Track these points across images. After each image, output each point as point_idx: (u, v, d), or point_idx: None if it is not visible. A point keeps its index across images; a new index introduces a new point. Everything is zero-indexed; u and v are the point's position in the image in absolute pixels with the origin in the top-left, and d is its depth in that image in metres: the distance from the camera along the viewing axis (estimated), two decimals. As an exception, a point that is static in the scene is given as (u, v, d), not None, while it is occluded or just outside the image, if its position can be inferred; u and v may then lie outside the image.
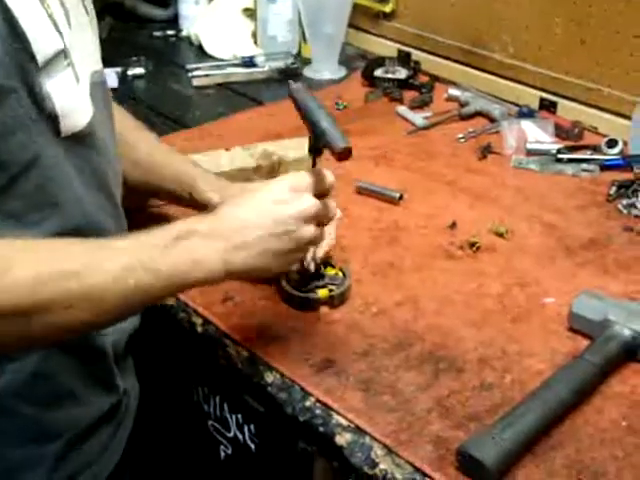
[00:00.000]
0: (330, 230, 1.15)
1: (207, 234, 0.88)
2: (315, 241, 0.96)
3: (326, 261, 1.17)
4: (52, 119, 0.84)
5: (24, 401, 0.89)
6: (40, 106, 0.82)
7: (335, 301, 1.13)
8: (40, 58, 0.81)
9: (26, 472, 0.91)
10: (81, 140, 0.89)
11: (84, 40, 0.91)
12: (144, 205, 1.29)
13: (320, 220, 0.96)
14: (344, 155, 0.96)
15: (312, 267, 1.12)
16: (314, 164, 1.01)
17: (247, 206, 0.93)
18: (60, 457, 0.93)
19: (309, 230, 0.94)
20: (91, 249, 0.82)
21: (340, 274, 1.17)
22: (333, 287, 1.14)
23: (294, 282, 1.14)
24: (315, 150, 1.01)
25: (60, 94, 0.84)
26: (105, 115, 0.96)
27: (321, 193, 0.97)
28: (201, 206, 1.14)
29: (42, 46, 0.81)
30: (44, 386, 0.90)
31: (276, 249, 0.91)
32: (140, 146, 1.14)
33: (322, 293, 1.13)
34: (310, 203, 0.94)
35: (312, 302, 1.13)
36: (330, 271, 1.16)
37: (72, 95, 0.86)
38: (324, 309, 1.13)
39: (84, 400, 0.95)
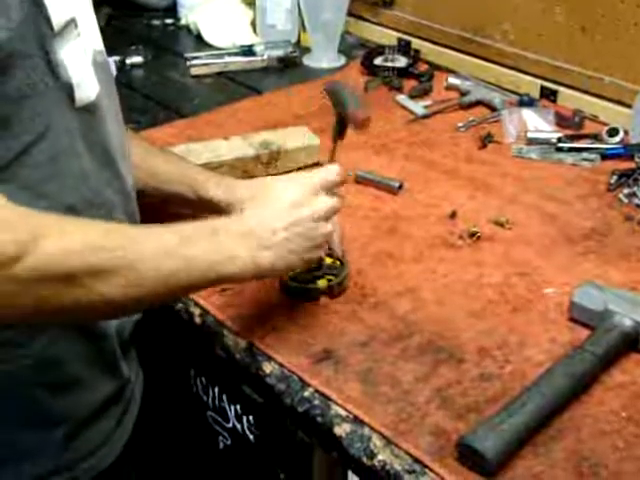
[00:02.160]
0: (335, 220, 1.14)
1: (240, 233, 0.92)
2: (330, 235, 1.03)
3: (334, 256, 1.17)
4: (66, 88, 0.85)
5: (31, 386, 0.89)
6: (55, 73, 0.83)
7: (334, 290, 1.13)
8: (55, 24, 0.82)
9: (32, 457, 0.91)
10: (91, 114, 0.90)
11: (87, 16, 0.91)
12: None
13: (332, 215, 1.02)
14: (364, 124, 1.07)
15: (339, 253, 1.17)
16: (335, 146, 1.08)
17: (269, 209, 0.98)
18: (66, 442, 0.93)
19: (325, 227, 1.00)
20: (134, 229, 0.86)
21: (337, 263, 1.16)
22: (332, 277, 1.14)
23: (292, 273, 1.13)
24: (339, 130, 1.08)
25: (73, 63, 0.85)
26: (110, 95, 0.96)
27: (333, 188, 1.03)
28: (206, 205, 1.15)
29: (57, 12, 0.82)
30: (51, 371, 0.90)
31: (298, 249, 0.97)
32: (136, 151, 1.14)
33: (321, 283, 1.13)
34: (324, 203, 1.00)
35: (311, 292, 1.12)
36: (328, 260, 1.16)
37: (83, 65, 0.87)
38: (323, 299, 1.12)
39: (89, 385, 0.95)
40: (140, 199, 1.05)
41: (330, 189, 1.02)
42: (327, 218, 1.00)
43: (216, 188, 1.14)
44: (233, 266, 0.90)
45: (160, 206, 1.17)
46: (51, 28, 0.82)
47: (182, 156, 1.25)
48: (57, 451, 0.93)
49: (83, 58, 0.87)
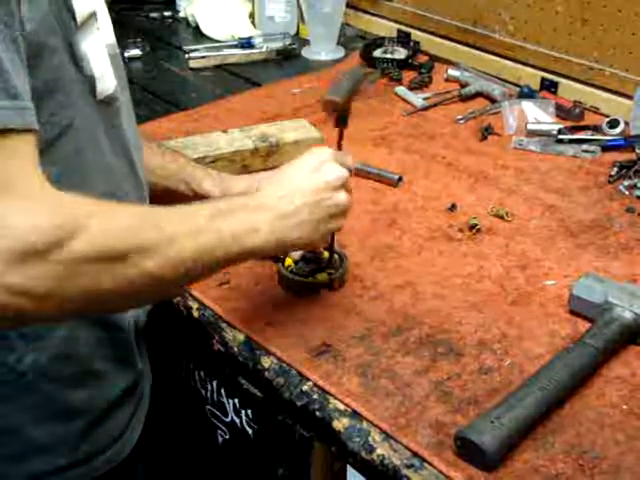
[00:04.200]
0: None
1: (257, 207, 0.92)
2: (349, 207, 1.01)
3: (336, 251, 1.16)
4: (89, 80, 0.85)
5: (49, 379, 0.89)
6: (78, 66, 0.84)
7: (335, 284, 1.12)
8: (79, 17, 0.82)
9: (49, 450, 0.91)
10: (111, 107, 0.91)
11: (103, 10, 0.92)
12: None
13: (346, 185, 1.01)
14: (325, 106, 1.09)
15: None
16: (340, 138, 1.07)
17: (286, 180, 0.98)
18: (83, 435, 0.93)
19: (345, 195, 0.99)
20: (164, 209, 0.85)
21: (336, 256, 1.15)
22: (332, 270, 1.13)
23: (292, 267, 1.13)
24: (340, 119, 1.07)
25: (94, 56, 0.85)
26: (124, 88, 0.97)
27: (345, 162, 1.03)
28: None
29: (80, 5, 0.82)
30: (68, 365, 0.90)
31: (319, 216, 0.97)
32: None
33: (321, 277, 1.12)
34: (341, 170, 1.00)
35: (312, 286, 1.12)
36: (327, 254, 1.15)
37: (103, 59, 0.88)
38: (322, 292, 1.12)
39: (106, 378, 0.95)
40: None
41: (341, 163, 1.01)
42: (342, 187, 0.99)
43: (212, 184, 1.16)
44: (256, 239, 0.89)
45: (157, 200, 1.17)
46: (74, 21, 0.82)
47: (179, 151, 1.25)
48: (74, 444, 0.93)
49: (103, 51, 0.88)
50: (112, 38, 0.94)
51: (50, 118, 0.81)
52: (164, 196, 1.17)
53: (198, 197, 1.15)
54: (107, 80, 0.89)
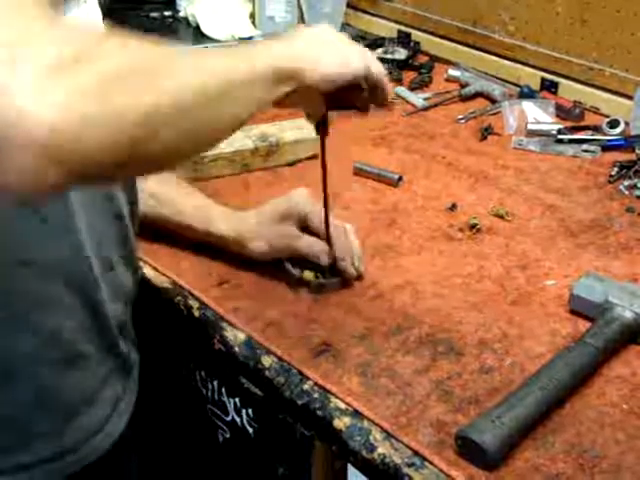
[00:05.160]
0: (352, 237, 1.15)
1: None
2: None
3: None
4: None
5: (38, 364, 0.88)
6: None
7: (313, 288, 1.12)
8: None
9: (38, 439, 0.90)
10: None
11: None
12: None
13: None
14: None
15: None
16: (322, 143, 1.06)
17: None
18: (69, 422, 0.92)
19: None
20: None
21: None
22: (321, 276, 1.13)
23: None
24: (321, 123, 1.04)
25: (89, 24, 0.83)
26: None
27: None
28: (215, 241, 1.17)
29: None
30: (57, 347, 0.89)
31: (351, 46, 0.92)
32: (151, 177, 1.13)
33: (306, 275, 1.12)
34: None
35: (292, 277, 1.12)
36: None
37: (97, 27, 0.85)
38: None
39: (92, 360, 0.94)
40: (149, 224, 1.06)
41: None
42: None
43: (227, 224, 1.16)
44: (274, 52, 0.83)
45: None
46: None
47: (193, 188, 1.24)
48: (62, 432, 0.92)
49: (98, 21, 0.86)
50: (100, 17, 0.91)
51: None
52: (175, 229, 1.19)
53: (209, 235, 1.17)
54: None
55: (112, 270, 0.95)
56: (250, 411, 1.12)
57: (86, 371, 0.94)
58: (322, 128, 1.03)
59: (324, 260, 1.11)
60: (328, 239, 1.11)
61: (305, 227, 1.13)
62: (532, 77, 1.73)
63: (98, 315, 0.93)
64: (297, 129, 1.46)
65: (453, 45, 1.88)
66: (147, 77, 0.66)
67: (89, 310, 0.92)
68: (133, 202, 1.00)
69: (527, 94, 1.67)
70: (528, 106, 1.60)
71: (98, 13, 0.92)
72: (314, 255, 1.12)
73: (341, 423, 0.93)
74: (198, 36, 2.06)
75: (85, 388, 0.94)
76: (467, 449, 0.87)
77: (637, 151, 1.44)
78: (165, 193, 1.17)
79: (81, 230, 0.87)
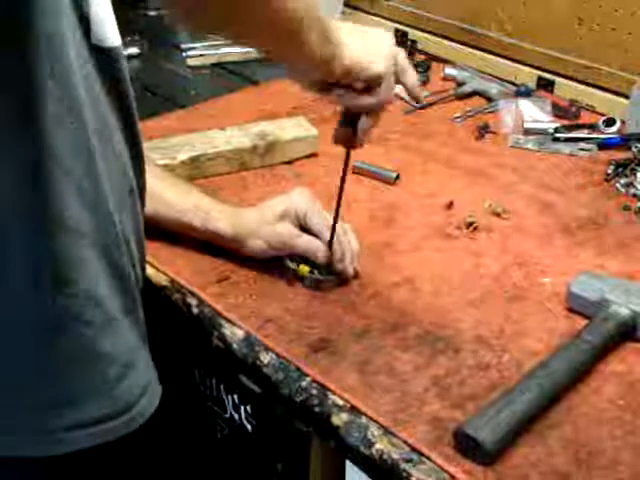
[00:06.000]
0: (351, 239, 1.16)
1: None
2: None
3: None
4: (84, 21, 0.83)
5: (80, 323, 0.87)
6: (77, 5, 0.81)
7: (306, 282, 1.13)
8: None
9: (88, 399, 0.89)
10: (111, 59, 0.88)
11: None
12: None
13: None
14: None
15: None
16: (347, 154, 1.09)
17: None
18: (118, 382, 0.91)
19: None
20: None
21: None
22: (316, 272, 1.13)
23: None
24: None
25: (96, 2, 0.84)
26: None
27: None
28: (213, 239, 1.18)
29: None
30: (94, 309, 0.88)
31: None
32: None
33: (302, 269, 1.13)
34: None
35: (287, 269, 1.13)
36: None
37: (105, 7, 0.86)
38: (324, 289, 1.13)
39: (124, 325, 0.93)
40: (147, 222, 1.05)
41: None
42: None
43: (225, 222, 1.16)
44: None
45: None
46: None
47: (189, 183, 1.25)
48: (111, 392, 0.91)
49: (106, 2, 0.86)
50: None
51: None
52: (173, 226, 1.20)
53: (208, 233, 1.17)
54: (107, 28, 0.86)
55: (128, 245, 0.95)
56: (248, 408, 1.13)
57: (120, 336, 0.93)
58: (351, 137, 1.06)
59: (321, 259, 1.12)
60: (330, 241, 1.11)
61: (304, 226, 1.14)
62: (528, 76, 1.74)
63: (124, 280, 0.93)
64: (295, 127, 1.47)
65: (450, 44, 1.88)
66: None
67: (117, 276, 0.92)
68: (141, 175, 0.99)
69: (524, 93, 1.67)
70: (525, 105, 1.60)
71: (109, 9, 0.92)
72: (312, 254, 1.12)
73: (339, 419, 0.94)
74: (195, 35, 2.06)
75: (126, 350, 0.93)
76: (465, 445, 0.87)
77: (633, 149, 1.45)
78: (163, 191, 1.18)
79: (109, 201, 0.88)
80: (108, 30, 0.88)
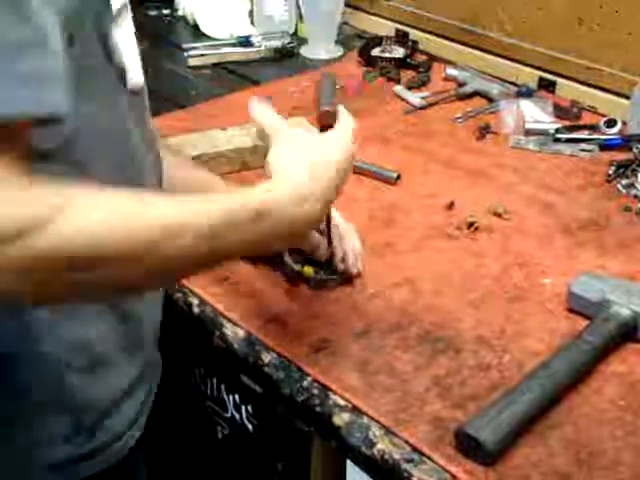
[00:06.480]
0: (353, 239, 1.16)
1: (266, 214, 0.82)
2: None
3: None
4: (119, 70, 0.85)
5: (63, 369, 0.89)
6: (110, 56, 0.84)
7: (311, 283, 1.13)
8: (114, 7, 0.82)
9: (65, 441, 0.91)
10: (138, 99, 0.91)
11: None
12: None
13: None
14: (324, 118, 1.05)
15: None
16: None
17: (292, 179, 0.89)
18: (100, 423, 0.93)
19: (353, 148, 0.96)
20: (178, 205, 0.77)
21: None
22: (321, 272, 1.13)
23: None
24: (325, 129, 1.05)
25: (125, 46, 0.85)
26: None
27: None
28: None
29: None
30: (82, 353, 0.90)
31: (330, 198, 0.91)
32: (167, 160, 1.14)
33: (307, 270, 1.13)
34: (341, 142, 0.96)
35: (291, 272, 1.13)
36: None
37: (133, 49, 0.88)
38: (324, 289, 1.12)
39: (118, 367, 0.95)
40: None
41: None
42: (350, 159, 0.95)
43: None
44: (275, 247, 0.91)
45: None
46: (110, 12, 0.82)
47: (211, 175, 1.22)
48: (89, 435, 0.92)
49: (133, 42, 0.88)
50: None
51: (78, 104, 0.77)
52: None
53: None
54: (136, 71, 0.89)
55: None
56: (249, 407, 1.13)
57: (111, 378, 0.95)
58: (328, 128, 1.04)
59: (322, 254, 1.11)
60: (329, 238, 1.11)
61: None
62: (529, 76, 1.74)
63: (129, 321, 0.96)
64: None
65: (451, 44, 1.88)
66: (66, 271, 0.69)
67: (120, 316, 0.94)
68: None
69: (525, 93, 1.67)
70: (526, 105, 1.60)
71: (133, 36, 0.93)
72: (312, 248, 1.11)
73: (340, 419, 0.94)
74: (197, 34, 2.06)
75: (112, 394, 0.95)
76: (466, 445, 0.87)
77: (634, 150, 1.45)
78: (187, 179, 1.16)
79: None
80: (137, 73, 0.90)
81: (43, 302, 0.78)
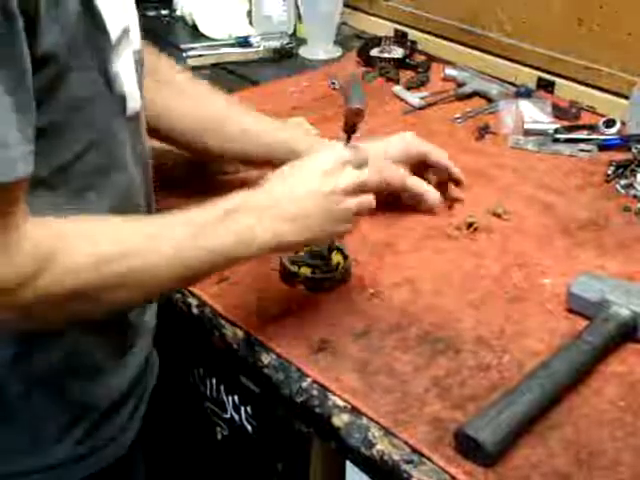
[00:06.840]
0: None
1: (261, 207, 0.91)
2: (362, 212, 0.99)
3: (339, 247, 1.16)
4: (120, 99, 0.86)
5: (63, 375, 0.90)
6: (110, 86, 0.83)
7: (308, 284, 1.12)
8: (113, 37, 0.82)
9: (58, 444, 0.91)
10: (137, 123, 0.92)
11: (134, 18, 0.91)
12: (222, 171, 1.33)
13: (363, 190, 0.98)
14: (356, 115, 1.06)
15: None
16: (348, 140, 1.07)
17: (295, 179, 0.95)
18: (96, 426, 0.94)
19: (351, 203, 0.96)
20: (147, 228, 0.84)
21: (341, 261, 1.15)
22: (318, 271, 1.13)
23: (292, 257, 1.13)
24: (350, 128, 1.07)
25: (126, 74, 0.85)
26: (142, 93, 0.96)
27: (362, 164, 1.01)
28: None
29: (114, 24, 0.82)
30: (81, 359, 0.91)
31: (325, 221, 0.94)
32: (232, 120, 1.18)
33: (303, 270, 1.12)
34: (356, 175, 0.97)
35: (289, 275, 1.12)
36: (337, 256, 1.15)
37: (132, 76, 0.87)
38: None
39: (115, 372, 0.96)
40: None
41: (360, 164, 0.99)
42: (355, 193, 0.96)
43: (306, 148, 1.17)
44: (253, 248, 0.90)
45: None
46: (109, 41, 0.82)
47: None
48: (83, 438, 0.93)
49: (132, 68, 0.88)
50: (139, 43, 0.93)
51: (76, 133, 0.81)
52: (257, 164, 1.24)
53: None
54: (135, 97, 0.89)
55: None
56: (249, 408, 1.13)
57: (108, 382, 0.96)
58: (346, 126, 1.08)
59: (432, 200, 1.23)
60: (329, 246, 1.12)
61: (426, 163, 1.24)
62: (529, 76, 1.74)
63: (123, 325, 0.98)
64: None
65: (450, 44, 1.88)
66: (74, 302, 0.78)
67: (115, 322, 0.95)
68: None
69: (524, 93, 1.67)
70: (525, 105, 1.60)
71: (138, 42, 0.93)
72: (421, 195, 1.22)
73: (340, 420, 0.94)
74: (195, 35, 2.06)
75: (108, 399, 0.96)
76: (465, 446, 0.87)
77: (633, 150, 1.45)
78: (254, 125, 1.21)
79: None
80: (136, 100, 0.90)
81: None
